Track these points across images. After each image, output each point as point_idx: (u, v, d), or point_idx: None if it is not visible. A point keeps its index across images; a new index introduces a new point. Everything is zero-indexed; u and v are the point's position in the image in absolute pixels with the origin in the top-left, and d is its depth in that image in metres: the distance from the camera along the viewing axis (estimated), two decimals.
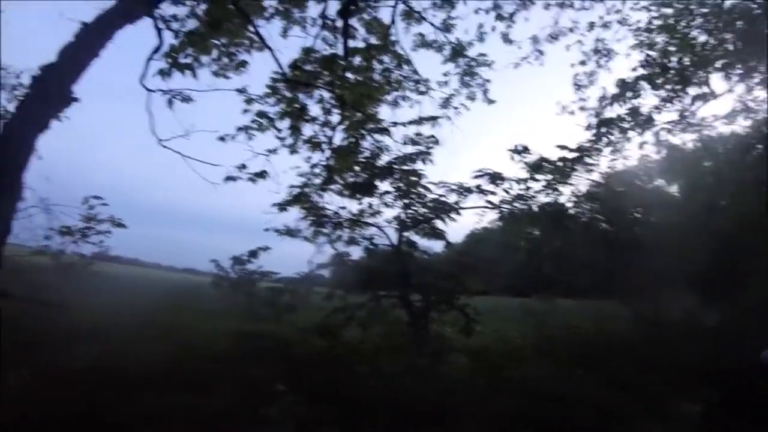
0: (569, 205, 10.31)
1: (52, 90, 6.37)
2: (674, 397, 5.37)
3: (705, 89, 10.02)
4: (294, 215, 10.18)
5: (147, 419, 5.00)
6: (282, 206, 9.93)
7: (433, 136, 9.27)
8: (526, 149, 9.27)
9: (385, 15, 11.69)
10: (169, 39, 8.62)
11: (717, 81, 10.40)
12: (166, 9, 8.88)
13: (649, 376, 6.72)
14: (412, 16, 11.46)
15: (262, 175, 9.19)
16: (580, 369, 6.57)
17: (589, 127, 9.77)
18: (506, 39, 11.88)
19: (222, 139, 9.38)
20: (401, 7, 11.28)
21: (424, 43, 11.74)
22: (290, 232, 10.10)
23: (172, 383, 6.01)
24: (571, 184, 10.34)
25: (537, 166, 9.31)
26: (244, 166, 9.23)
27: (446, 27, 11.60)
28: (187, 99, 8.57)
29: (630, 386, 6.35)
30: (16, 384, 5.29)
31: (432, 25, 11.63)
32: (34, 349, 6.65)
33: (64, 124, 11.30)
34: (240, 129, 9.66)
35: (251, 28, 8.89)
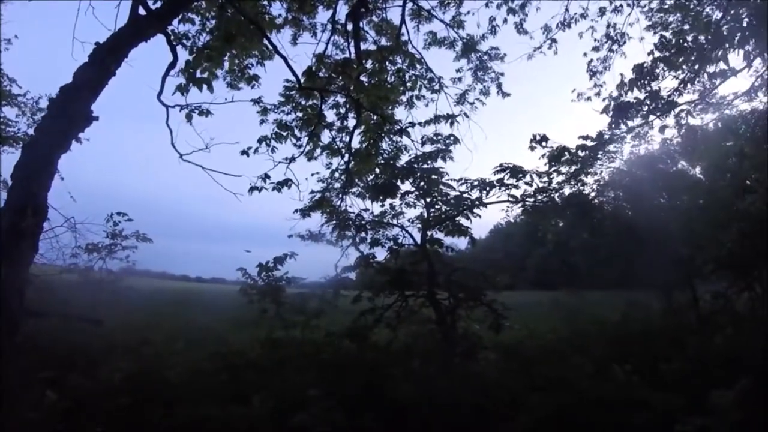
0: (594, 194, 10.22)
1: (70, 110, 6.50)
2: (711, 386, 5.27)
3: (723, 66, 9.82)
4: (317, 220, 10.27)
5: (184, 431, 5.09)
6: (304, 212, 10.01)
7: (452, 135, 9.24)
8: (545, 138, 9.22)
9: (394, 16, 11.72)
10: (183, 55, 8.77)
11: (734, 57, 10.24)
12: (179, 27, 9.06)
13: (685, 367, 6.63)
14: (421, 14, 11.47)
15: (285, 183, 9.29)
16: (615, 363, 6.48)
17: (606, 111, 9.65)
18: (520, 29, 11.80)
19: (245, 153, 9.50)
20: (410, 6, 11.32)
21: (435, 40, 11.74)
22: (314, 237, 10.18)
23: (206, 394, 6.07)
24: (594, 174, 10.26)
25: (558, 156, 9.26)
26: (267, 177, 9.35)
27: (457, 23, 11.60)
28: (205, 112, 8.69)
29: (666, 379, 6.27)
30: (54, 400, 5.38)
31: (442, 22, 11.64)
32: (71, 365, 6.75)
33: (87, 143, 11.61)
34: (261, 140, 9.77)
35: (264, 39, 8.97)
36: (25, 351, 6.32)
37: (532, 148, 9.26)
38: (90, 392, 5.75)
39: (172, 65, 8.25)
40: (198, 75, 8.66)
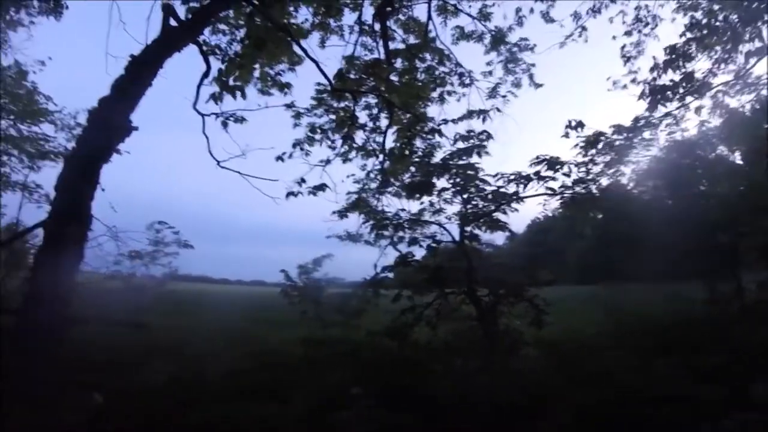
0: (632, 184, 10.04)
1: (109, 121, 6.66)
2: (756, 380, 5.15)
3: (758, 43, 9.55)
4: (354, 221, 10.32)
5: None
6: (342, 213, 10.08)
7: (485, 131, 9.15)
8: (581, 124, 9.12)
9: (420, 13, 11.68)
10: (216, 64, 8.91)
11: None
12: (211, 39, 9.22)
13: (728, 359, 6.48)
14: (447, 9, 11.39)
15: (321, 188, 9.37)
16: (658, 358, 6.38)
17: (643, 97, 9.46)
18: (547, 18, 11.57)
19: (280, 158, 9.63)
20: (436, 2, 11.25)
21: (463, 35, 11.64)
22: (352, 238, 10.23)
23: (248, 394, 6.18)
24: (631, 163, 10.10)
25: (594, 142, 9.15)
26: (303, 181, 9.45)
27: (484, 16, 11.48)
28: (240, 120, 8.83)
29: (711, 373, 6.13)
30: (99, 403, 5.52)
31: (469, 15, 11.53)
32: (115, 368, 6.94)
33: (127, 156, 11.91)
34: (296, 144, 9.89)
35: (293, 44, 9.06)
36: (70, 356, 6.51)
37: (567, 135, 9.16)
38: (132, 394, 5.90)
39: (206, 74, 8.40)
40: (231, 83, 8.77)
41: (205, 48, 8.51)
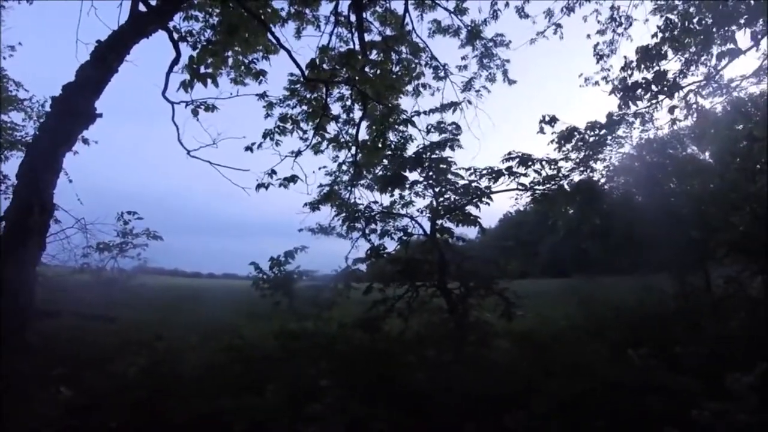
0: (603, 180, 10.15)
1: (73, 108, 6.51)
2: (728, 370, 5.20)
3: (730, 46, 9.73)
4: (326, 213, 10.26)
5: (199, 424, 5.09)
6: (314, 205, 10.03)
7: (454, 123, 9.19)
8: (554, 119, 9.19)
9: (398, 5, 11.67)
10: (186, 51, 8.77)
11: (741, 37, 10.13)
12: (182, 24, 9.09)
13: (701, 351, 6.56)
14: (425, 3, 11.41)
15: (292, 179, 9.30)
16: (631, 349, 6.42)
17: (615, 92, 9.56)
18: (522, 14, 11.64)
19: (249, 149, 9.51)
20: None
21: (439, 29, 11.68)
22: (324, 230, 10.19)
23: (220, 386, 6.07)
24: (603, 159, 10.21)
25: (568, 136, 9.23)
26: (273, 172, 9.35)
27: (460, 10, 11.52)
28: (210, 108, 8.69)
29: (683, 363, 6.20)
30: (68, 396, 5.39)
31: (446, 9, 11.57)
32: (87, 362, 6.77)
33: (94, 144, 11.67)
34: (265, 135, 9.78)
35: (267, 33, 8.96)
36: (39, 349, 6.35)
37: (541, 129, 9.24)
38: (104, 388, 5.76)
39: (175, 61, 8.27)
40: (202, 71, 8.64)
41: (175, 35, 8.38)
